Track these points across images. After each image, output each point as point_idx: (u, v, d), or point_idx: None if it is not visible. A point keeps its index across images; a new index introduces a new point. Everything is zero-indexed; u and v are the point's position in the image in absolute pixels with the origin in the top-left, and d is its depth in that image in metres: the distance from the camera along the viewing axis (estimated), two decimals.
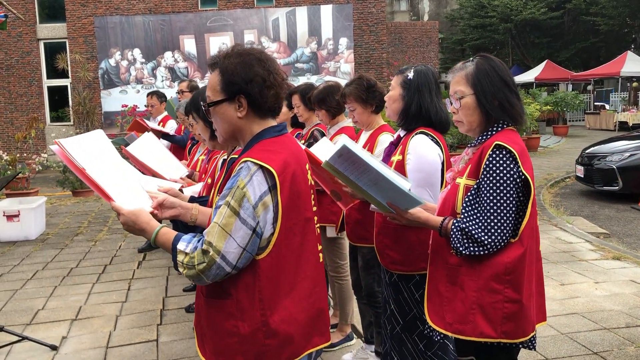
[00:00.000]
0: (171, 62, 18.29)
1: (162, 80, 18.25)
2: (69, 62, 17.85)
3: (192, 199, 2.68)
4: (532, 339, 2.13)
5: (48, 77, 18.59)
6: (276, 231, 1.79)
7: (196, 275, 1.74)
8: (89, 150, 2.01)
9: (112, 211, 9.66)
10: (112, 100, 18.19)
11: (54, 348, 4.16)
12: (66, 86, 18.58)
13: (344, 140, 2.05)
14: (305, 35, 18.29)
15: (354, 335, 4.15)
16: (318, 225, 2.04)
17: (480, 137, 2.15)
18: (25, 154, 16.53)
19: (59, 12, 18.40)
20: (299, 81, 17.40)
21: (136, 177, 2.28)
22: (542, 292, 2.25)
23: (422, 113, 2.63)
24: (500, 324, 2.03)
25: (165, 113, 6.67)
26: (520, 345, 2.12)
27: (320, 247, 2.03)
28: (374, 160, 2.14)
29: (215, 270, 1.72)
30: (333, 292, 4.20)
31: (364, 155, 2.07)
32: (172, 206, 2.14)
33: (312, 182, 2.04)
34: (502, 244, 2.02)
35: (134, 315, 4.81)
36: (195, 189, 3.35)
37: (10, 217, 7.53)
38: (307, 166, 2.00)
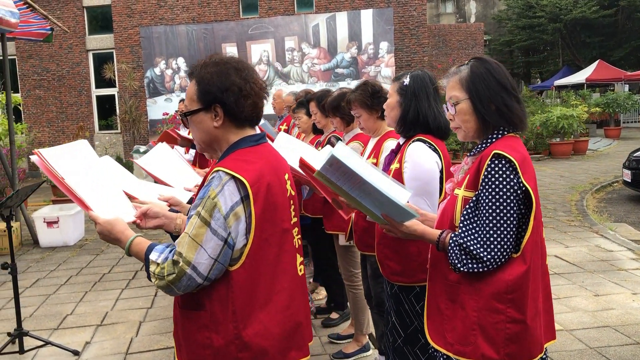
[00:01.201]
0: None
1: None
2: (116, 72, 18.39)
3: None
4: None
5: (96, 87, 19.19)
6: (249, 242, 1.76)
7: (166, 286, 1.73)
8: (70, 160, 2.03)
9: None
10: (158, 108, 18.59)
11: (76, 353, 4.25)
12: (114, 95, 19.14)
13: (334, 149, 1.98)
14: (346, 40, 18.25)
15: (371, 346, 4.06)
16: (298, 237, 1.99)
17: (479, 146, 2.05)
18: None
19: (107, 23, 19.00)
20: (339, 86, 17.37)
21: (125, 187, 2.28)
22: (550, 309, 2.11)
23: (419, 119, 2.55)
24: (503, 346, 1.91)
25: None
26: None
27: (300, 259, 1.98)
28: (368, 170, 2.06)
29: (185, 282, 1.71)
30: (349, 301, 4.13)
31: (356, 165, 1.98)
32: (156, 216, 2.13)
33: (293, 193, 1.99)
34: (503, 260, 1.91)
35: (156, 321, 4.87)
36: None
37: (50, 224, 7.78)
38: (286, 176, 1.95)
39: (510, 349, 1.91)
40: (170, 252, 1.75)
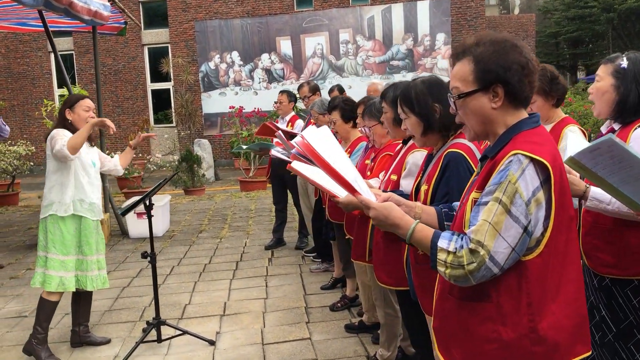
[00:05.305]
0: (268, 64, 18.59)
1: (259, 82, 18.60)
2: (171, 66, 18.55)
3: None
4: None
5: (152, 81, 19.41)
6: (547, 230, 1.66)
7: (463, 276, 1.65)
8: (326, 146, 2.00)
9: (230, 209, 9.91)
10: (212, 102, 18.74)
11: (212, 343, 4.24)
12: (168, 89, 19.32)
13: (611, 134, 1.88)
14: (401, 32, 18.06)
15: None
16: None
17: None
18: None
19: (162, 18, 19.18)
20: (394, 79, 17.21)
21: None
22: None
23: None
24: None
25: (293, 113, 6.73)
26: None
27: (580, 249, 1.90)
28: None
29: (483, 272, 1.63)
30: None
31: (633, 149, 1.89)
32: (398, 204, 2.07)
33: None
34: None
35: (279, 312, 4.85)
36: (370, 183, 3.29)
37: (140, 215, 7.84)
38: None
39: None
40: (463, 239, 1.68)
